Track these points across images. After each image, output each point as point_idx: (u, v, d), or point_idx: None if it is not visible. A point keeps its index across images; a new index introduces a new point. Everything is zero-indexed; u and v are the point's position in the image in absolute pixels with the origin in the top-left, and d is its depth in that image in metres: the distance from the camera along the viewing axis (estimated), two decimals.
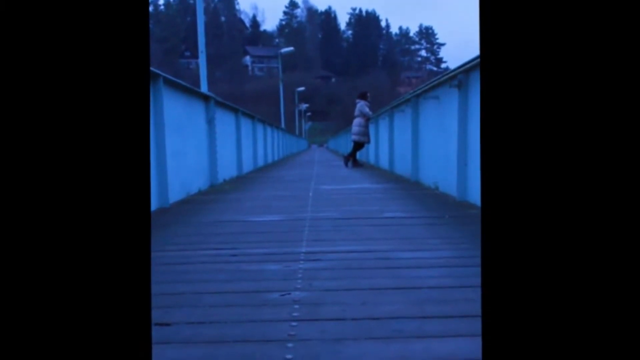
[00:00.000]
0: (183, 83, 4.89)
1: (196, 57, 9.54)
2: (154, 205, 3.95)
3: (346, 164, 9.53)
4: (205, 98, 5.89)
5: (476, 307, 1.50)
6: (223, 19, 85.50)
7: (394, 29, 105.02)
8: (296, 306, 1.55)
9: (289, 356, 1.21)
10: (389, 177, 7.02)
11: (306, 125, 55.76)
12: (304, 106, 48.40)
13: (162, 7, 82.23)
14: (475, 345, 1.24)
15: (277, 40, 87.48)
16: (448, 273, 1.92)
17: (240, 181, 6.69)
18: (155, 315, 1.45)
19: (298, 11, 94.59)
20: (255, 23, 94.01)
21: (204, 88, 7.58)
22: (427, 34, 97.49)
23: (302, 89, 41.13)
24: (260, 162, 10.45)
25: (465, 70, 4.01)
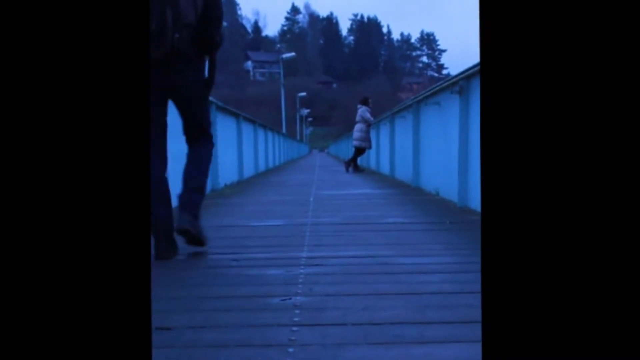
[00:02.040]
0: None
1: None
2: None
3: (347, 169, 9.53)
4: None
5: (477, 313, 1.49)
6: (225, 24, 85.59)
7: (396, 35, 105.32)
8: (297, 311, 1.56)
9: None
10: (389, 182, 7.03)
11: (307, 131, 55.82)
12: (305, 111, 48.47)
13: None
14: (475, 351, 1.24)
15: (278, 45, 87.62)
16: (449, 279, 1.92)
17: (242, 186, 6.69)
18: (156, 319, 1.45)
19: (300, 17, 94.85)
20: (257, 28, 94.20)
21: None
22: (428, 40, 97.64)
23: (303, 94, 41.21)
24: (262, 167, 10.45)
25: (466, 76, 4.02)
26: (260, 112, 27.43)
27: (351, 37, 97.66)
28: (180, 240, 2.33)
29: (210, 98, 6.05)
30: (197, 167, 2.33)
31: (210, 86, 2.30)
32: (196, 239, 2.26)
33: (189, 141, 2.42)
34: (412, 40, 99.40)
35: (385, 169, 8.75)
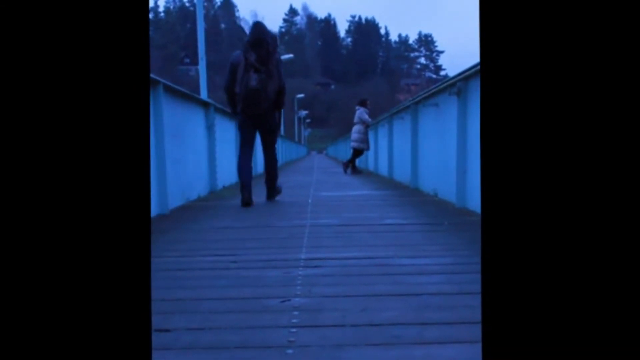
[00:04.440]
0: (183, 90, 4.90)
1: (196, 63, 9.59)
2: (153, 211, 3.95)
3: (345, 171, 9.54)
4: (204, 105, 5.91)
5: (476, 314, 1.50)
6: (223, 26, 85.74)
7: (394, 37, 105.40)
8: (296, 312, 1.55)
9: None
10: (388, 183, 7.03)
11: (305, 132, 55.84)
12: (304, 113, 48.51)
13: (162, 14, 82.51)
14: (475, 352, 1.24)
15: None
16: (447, 279, 1.92)
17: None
18: (155, 321, 1.44)
19: (298, 18, 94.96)
20: None
21: (203, 95, 7.61)
22: (426, 41, 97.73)
23: (301, 95, 41.23)
24: (260, 169, 10.44)
25: (464, 77, 4.02)
26: None
27: (349, 39, 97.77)
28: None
29: (209, 100, 6.12)
30: (271, 169, 4.72)
31: (279, 127, 4.70)
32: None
33: (265, 152, 4.69)
34: (410, 42, 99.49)
35: (383, 170, 8.75)
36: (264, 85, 4.23)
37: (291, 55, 26.36)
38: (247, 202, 4.35)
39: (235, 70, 4.31)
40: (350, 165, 9.55)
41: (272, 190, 4.75)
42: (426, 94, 5.50)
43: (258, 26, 4.48)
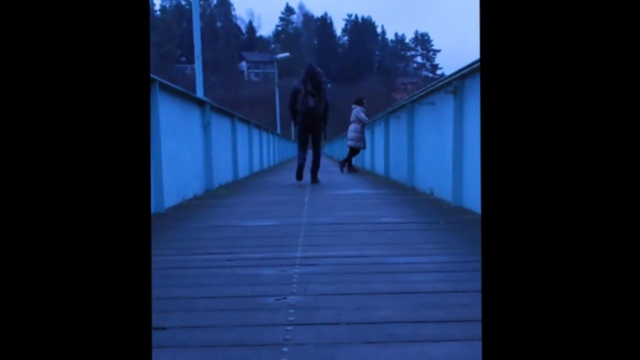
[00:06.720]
0: (179, 88, 4.89)
1: (192, 62, 9.57)
2: None
3: (342, 170, 9.54)
4: (201, 103, 5.90)
5: (471, 312, 1.50)
6: (219, 24, 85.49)
7: (390, 35, 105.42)
8: (291, 310, 1.56)
9: None
10: (384, 182, 7.03)
11: None
12: None
13: (158, 12, 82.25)
14: (470, 350, 1.24)
15: (273, 45, 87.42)
16: (443, 278, 1.92)
17: (236, 186, 6.69)
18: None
19: (294, 17, 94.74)
20: (251, 29, 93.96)
21: (199, 93, 7.59)
22: (422, 40, 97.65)
23: None
24: (256, 167, 10.44)
25: (460, 76, 4.03)
26: (254, 113, 27.36)
27: (345, 38, 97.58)
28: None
29: (205, 98, 6.10)
30: (316, 161, 6.80)
31: (325, 132, 6.85)
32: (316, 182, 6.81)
33: (313, 149, 6.77)
34: (407, 41, 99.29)
35: (379, 169, 8.76)
36: (318, 105, 6.49)
37: (287, 54, 26.34)
38: (300, 178, 6.68)
39: (296, 95, 6.54)
40: (346, 164, 9.54)
41: (316, 176, 6.89)
42: (422, 93, 5.50)
43: (311, 66, 6.73)
